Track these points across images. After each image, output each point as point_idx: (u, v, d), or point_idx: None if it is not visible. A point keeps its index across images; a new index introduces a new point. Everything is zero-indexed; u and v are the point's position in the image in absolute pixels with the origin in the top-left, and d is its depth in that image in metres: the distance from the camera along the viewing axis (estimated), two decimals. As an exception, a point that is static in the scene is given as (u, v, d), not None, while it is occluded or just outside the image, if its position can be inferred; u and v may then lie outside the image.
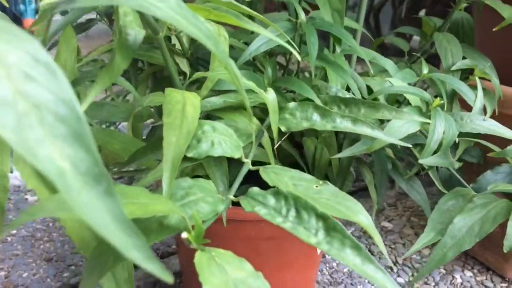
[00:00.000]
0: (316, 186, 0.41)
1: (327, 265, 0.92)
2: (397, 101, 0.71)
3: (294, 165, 0.59)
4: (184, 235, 0.33)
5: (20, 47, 0.20)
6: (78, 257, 0.96)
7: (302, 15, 0.54)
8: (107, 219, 0.19)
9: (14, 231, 1.09)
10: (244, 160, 0.45)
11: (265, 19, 0.45)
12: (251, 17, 0.42)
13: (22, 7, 1.97)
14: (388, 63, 0.62)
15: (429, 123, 0.52)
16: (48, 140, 0.19)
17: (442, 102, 0.54)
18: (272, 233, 0.61)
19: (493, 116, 0.67)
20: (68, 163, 0.19)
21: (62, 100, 0.20)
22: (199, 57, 0.60)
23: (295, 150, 0.64)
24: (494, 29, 0.62)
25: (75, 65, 0.45)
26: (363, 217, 0.39)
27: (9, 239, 1.07)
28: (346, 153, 0.53)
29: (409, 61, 0.75)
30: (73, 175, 0.19)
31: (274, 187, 0.40)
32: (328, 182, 0.42)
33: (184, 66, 0.59)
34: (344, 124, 0.46)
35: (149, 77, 0.63)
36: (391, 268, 0.93)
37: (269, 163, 0.47)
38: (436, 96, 0.70)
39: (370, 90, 0.67)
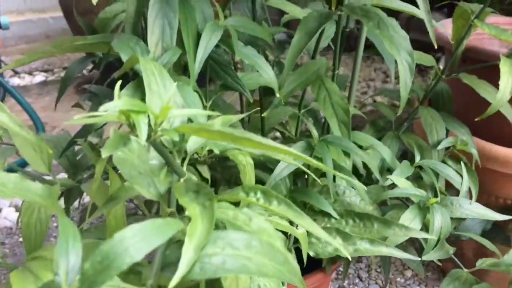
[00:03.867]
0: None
1: None
2: (388, 170, 0.79)
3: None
4: None
5: None
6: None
7: (316, 133, 0.60)
8: None
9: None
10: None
11: (287, 149, 0.51)
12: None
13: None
14: (385, 152, 0.69)
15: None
16: None
17: (437, 199, 0.62)
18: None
19: (477, 170, 0.77)
20: None
21: None
22: (219, 162, 0.66)
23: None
24: (476, 119, 0.70)
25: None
26: None
27: None
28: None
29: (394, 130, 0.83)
30: None
31: None
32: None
33: (205, 172, 0.65)
34: (363, 246, 0.54)
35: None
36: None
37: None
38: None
39: (365, 165, 0.75)
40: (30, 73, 2.41)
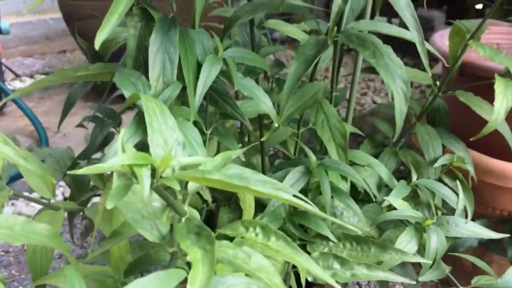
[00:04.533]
0: None
1: None
2: (386, 185, 0.80)
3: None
4: None
5: None
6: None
7: (313, 158, 0.61)
8: None
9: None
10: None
11: (285, 197, 0.52)
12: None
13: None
14: (382, 171, 0.71)
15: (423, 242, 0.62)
16: None
17: (433, 220, 0.63)
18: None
19: (474, 182, 0.78)
20: None
21: None
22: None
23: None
24: (471, 139, 0.71)
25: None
26: None
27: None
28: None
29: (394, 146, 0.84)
30: None
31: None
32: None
33: (206, 195, 0.67)
34: (360, 271, 0.55)
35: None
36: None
37: None
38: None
39: (363, 181, 0.76)
40: (31, 76, 2.42)
